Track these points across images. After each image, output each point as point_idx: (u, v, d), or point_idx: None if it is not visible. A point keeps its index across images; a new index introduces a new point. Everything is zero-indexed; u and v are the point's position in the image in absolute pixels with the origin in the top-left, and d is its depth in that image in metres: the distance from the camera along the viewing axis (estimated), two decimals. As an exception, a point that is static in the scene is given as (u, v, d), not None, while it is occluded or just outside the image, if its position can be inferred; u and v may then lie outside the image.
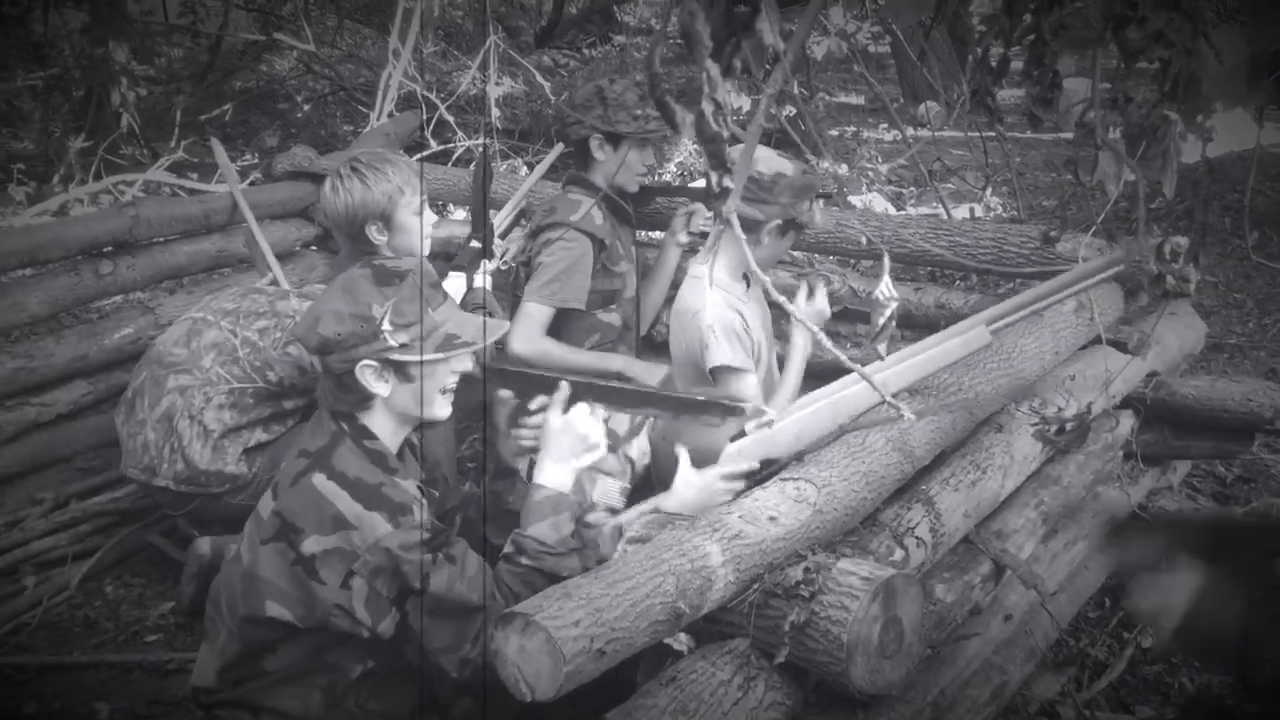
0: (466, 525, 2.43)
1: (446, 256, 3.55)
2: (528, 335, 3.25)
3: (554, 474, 2.20)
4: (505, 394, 2.32)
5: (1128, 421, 2.99)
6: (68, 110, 8.43)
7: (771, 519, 1.95)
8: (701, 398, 2.28)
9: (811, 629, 1.81)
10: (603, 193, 3.33)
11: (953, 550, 2.37)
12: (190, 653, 3.06)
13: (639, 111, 3.29)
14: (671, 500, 2.19)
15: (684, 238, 3.52)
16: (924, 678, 2.28)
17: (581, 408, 2.23)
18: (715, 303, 2.82)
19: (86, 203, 6.45)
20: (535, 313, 3.27)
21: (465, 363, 2.23)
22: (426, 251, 3.13)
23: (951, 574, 2.35)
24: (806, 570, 1.86)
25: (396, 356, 2.12)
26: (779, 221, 2.82)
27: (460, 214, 5.05)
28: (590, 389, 2.26)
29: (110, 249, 4.01)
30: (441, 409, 2.23)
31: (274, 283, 3.79)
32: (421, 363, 2.12)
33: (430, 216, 3.18)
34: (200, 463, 3.15)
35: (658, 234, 3.91)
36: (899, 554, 2.13)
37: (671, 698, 1.73)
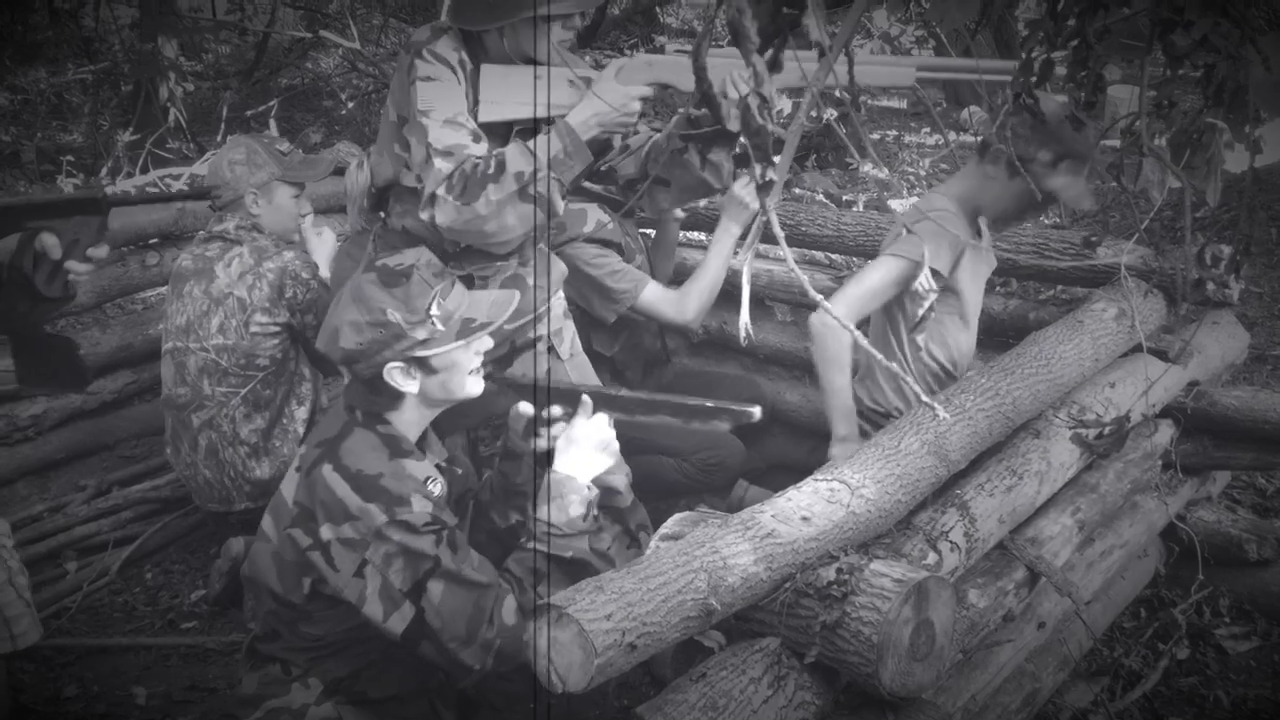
0: (480, 509, 2.45)
1: None
2: (677, 302, 3.25)
3: (580, 473, 2.22)
4: (526, 408, 2.33)
5: (1167, 430, 2.96)
6: (116, 104, 8.56)
7: (804, 519, 1.95)
8: (711, 404, 2.30)
9: (842, 629, 1.81)
10: (598, 196, 3.31)
11: (987, 556, 2.36)
12: (226, 638, 3.11)
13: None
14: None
15: (681, 213, 3.52)
16: (955, 683, 2.27)
17: (600, 417, 2.25)
18: (941, 210, 2.75)
19: (134, 195, 6.54)
20: (654, 293, 3.25)
21: (486, 342, 2.26)
22: None
23: (985, 579, 2.34)
24: (839, 571, 1.86)
25: (420, 352, 2.15)
26: (1051, 155, 2.64)
27: None
28: (602, 398, 2.29)
29: (156, 241, 4.08)
30: (474, 387, 2.27)
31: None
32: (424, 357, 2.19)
33: None
34: (264, 474, 3.21)
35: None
36: (932, 558, 2.12)
37: (701, 694, 1.73)
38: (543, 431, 2.32)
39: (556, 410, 2.30)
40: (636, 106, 2.53)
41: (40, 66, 9.17)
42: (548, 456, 2.28)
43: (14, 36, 8.97)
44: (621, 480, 2.32)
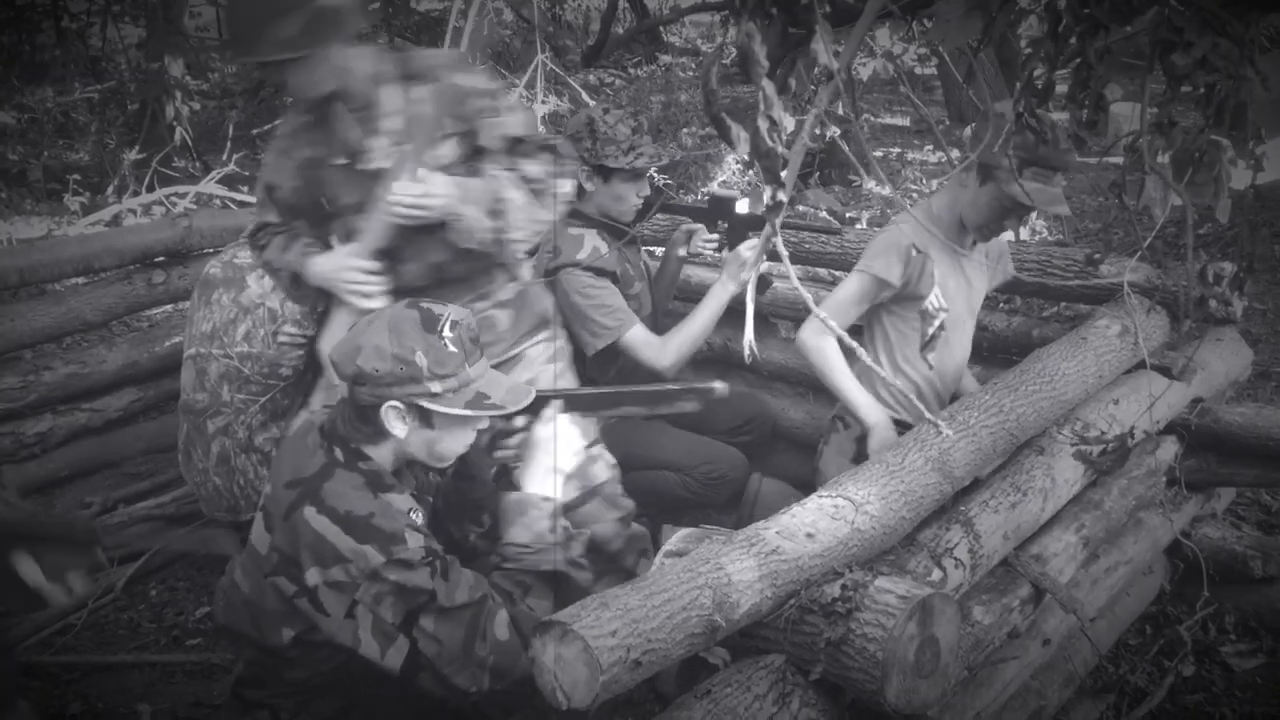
0: (433, 517, 2.43)
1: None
2: (656, 348, 3.26)
3: (541, 484, 2.23)
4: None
5: (1171, 447, 2.96)
6: (123, 123, 8.60)
7: (809, 535, 1.95)
8: (675, 387, 2.32)
9: (847, 646, 1.81)
10: (599, 223, 3.32)
11: (991, 573, 2.36)
12: (231, 655, 3.11)
13: (628, 145, 3.21)
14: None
15: (682, 251, 3.53)
16: (960, 700, 2.27)
17: (563, 418, 2.26)
18: (916, 232, 2.81)
19: (139, 214, 6.58)
20: (636, 336, 3.24)
21: (484, 421, 2.24)
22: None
23: (990, 596, 2.34)
24: (843, 587, 1.86)
25: (425, 404, 2.12)
26: (1015, 162, 2.65)
27: None
28: (564, 398, 2.31)
29: (162, 259, 4.10)
30: (451, 456, 2.25)
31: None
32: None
33: None
34: None
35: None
36: (937, 574, 2.13)
37: (706, 710, 1.74)
38: (504, 444, 2.33)
39: (519, 422, 2.30)
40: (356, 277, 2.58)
41: (47, 86, 9.23)
42: (507, 471, 2.29)
43: (21, 56, 9.04)
44: (610, 528, 2.32)
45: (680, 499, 3.34)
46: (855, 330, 2.94)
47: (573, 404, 2.30)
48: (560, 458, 2.26)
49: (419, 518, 2.12)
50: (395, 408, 2.12)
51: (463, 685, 2.05)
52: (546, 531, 2.16)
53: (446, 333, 2.14)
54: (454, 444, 2.20)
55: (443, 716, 2.29)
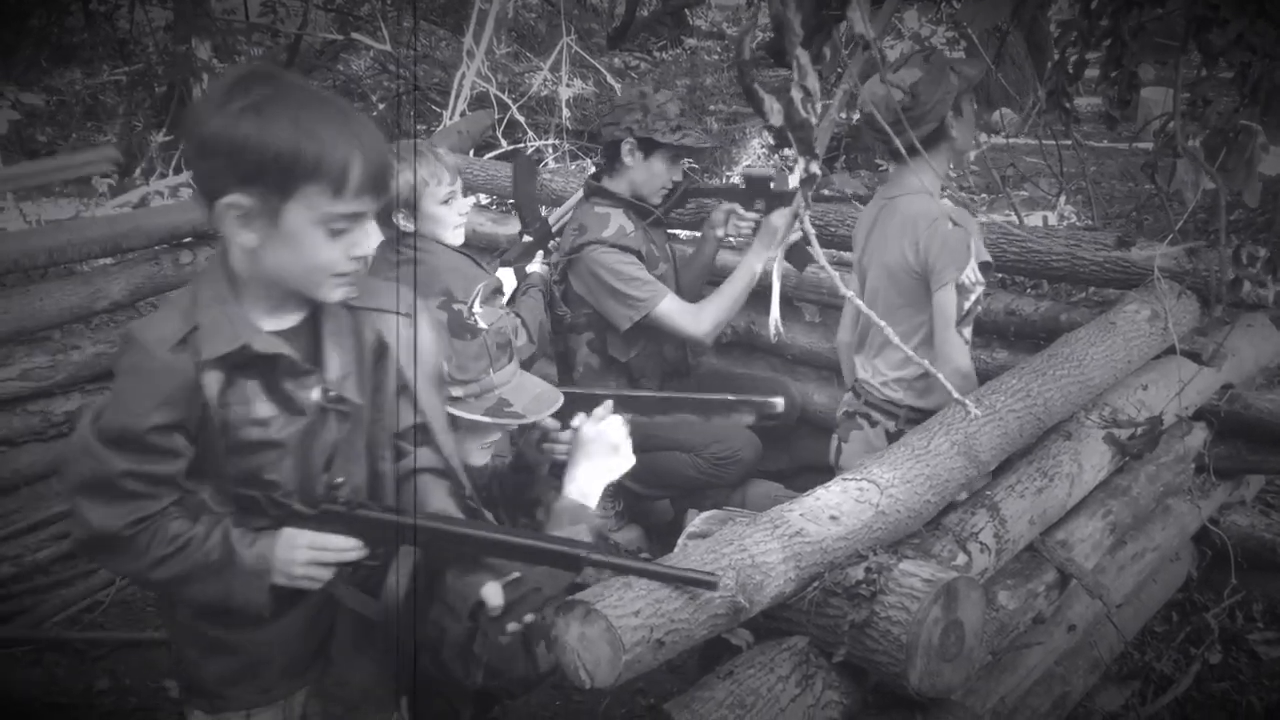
0: (489, 502, 2.43)
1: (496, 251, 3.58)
2: (692, 314, 3.26)
3: (583, 485, 2.17)
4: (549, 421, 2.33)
5: (1200, 433, 2.94)
6: (150, 105, 8.64)
7: (833, 518, 1.94)
8: (733, 398, 2.28)
9: (871, 629, 1.80)
10: (626, 202, 3.32)
11: (1017, 557, 2.35)
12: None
13: (677, 124, 3.26)
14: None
15: (720, 232, 3.51)
16: (984, 684, 2.26)
17: (615, 419, 2.23)
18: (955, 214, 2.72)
19: (167, 195, 6.62)
20: (671, 306, 3.25)
21: (513, 424, 2.23)
22: (459, 240, 3.11)
23: (1015, 581, 2.33)
24: (868, 570, 1.86)
25: (446, 407, 2.11)
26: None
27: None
28: (620, 400, 2.27)
29: (190, 239, 4.12)
30: (478, 459, 2.24)
31: None
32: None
33: (465, 203, 3.14)
34: None
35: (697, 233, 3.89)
36: (962, 558, 2.12)
37: (729, 691, 1.73)
38: (556, 444, 2.32)
39: (576, 420, 2.30)
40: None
41: (75, 68, 9.29)
42: (560, 468, 2.28)
43: (50, 38, 9.09)
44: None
45: (691, 479, 3.33)
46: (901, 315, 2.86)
47: (625, 405, 2.28)
48: (613, 467, 2.23)
49: None
50: None
51: (457, 674, 2.04)
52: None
53: (474, 339, 2.13)
54: (472, 446, 2.20)
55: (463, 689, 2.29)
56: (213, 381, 1.70)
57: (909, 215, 2.75)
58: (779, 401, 2.25)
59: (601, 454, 2.18)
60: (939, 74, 2.63)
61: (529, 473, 2.36)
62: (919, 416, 2.83)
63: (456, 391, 2.12)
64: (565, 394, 2.30)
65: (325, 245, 1.69)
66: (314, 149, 1.61)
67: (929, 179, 2.74)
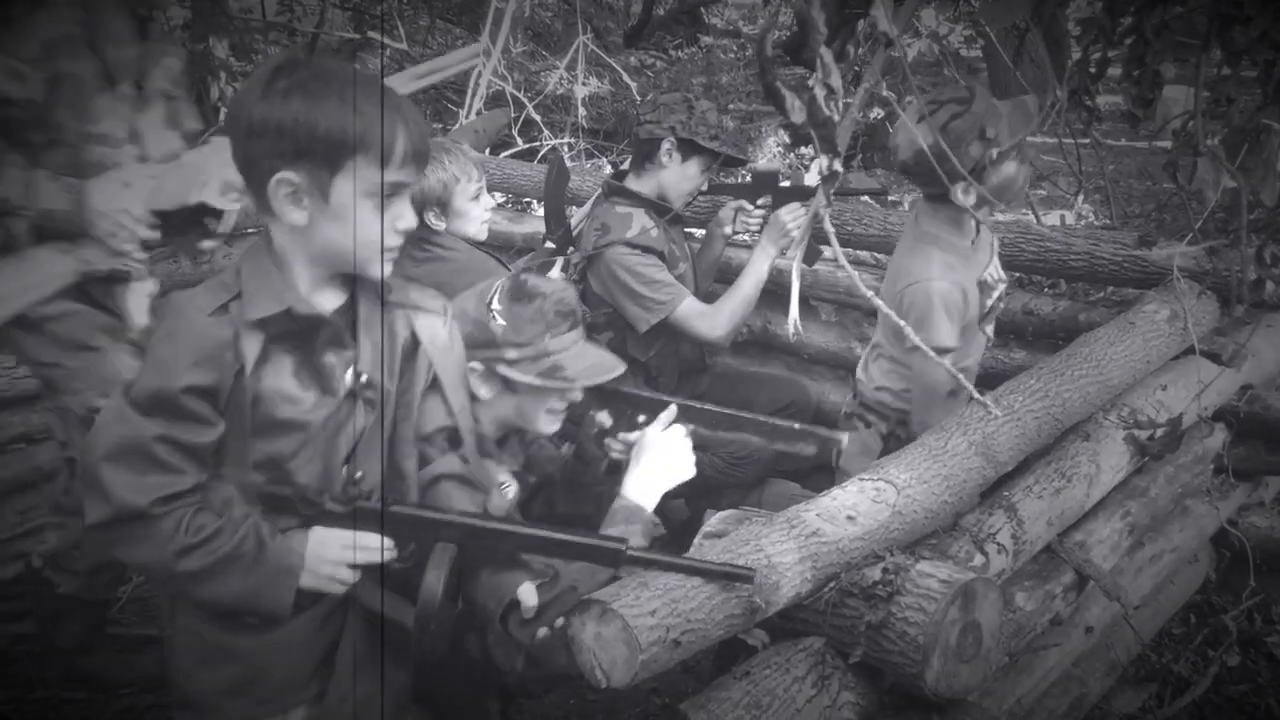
0: (548, 484, 2.45)
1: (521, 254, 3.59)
2: (709, 318, 3.27)
3: (642, 487, 2.17)
4: (604, 417, 2.34)
5: (1220, 434, 2.92)
6: (168, 103, 8.66)
7: (850, 518, 1.94)
8: (798, 426, 2.27)
9: (888, 629, 1.79)
10: (647, 201, 3.31)
11: (1034, 559, 2.34)
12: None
13: (715, 131, 3.27)
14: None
15: (728, 230, 3.51)
16: (1001, 686, 2.25)
17: (678, 429, 2.24)
18: (944, 273, 2.67)
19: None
20: (690, 308, 3.26)
21: (577, 394, 2.25)
22: (484, 237, 3.17)
23: (1032, 582, 2.32)
24: (885, 571, 1.85)
25: (501, 369, 2.17)
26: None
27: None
28: (686, 410, 2.27)
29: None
30: (547, 425, 2.27)
31: None
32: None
33: (488, 200, 3.17)
34: None
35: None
36: (979, 559, 2.10)
37: (745, 691, 1.73)
38: (614, 443, 2.33)
39: (640, 419, 2.30)
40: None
41: (94, 66, 9.30)
42: (616, 467, 2.28)
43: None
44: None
45: (707, 478, 3.31)
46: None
47: (690, 417, 2.28)
48: (674, 475, 2.22)
49: (510, 493, 2.17)
50: (474, 370, 2.17)
51: (499, 660, 2.05)
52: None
53: (531, 303, 2.16)
54: (536, 410, 2.23)
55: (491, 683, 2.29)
56: (250, 348, 1.71)
57: (904, 265, 2.75)
58: (844, 438, 2.27)
59: (664, 460, 2.19)
60: (973, 122, 2.49)
61: (587, 465, 2.38)
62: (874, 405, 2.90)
63: (511, 354, 2.16)
64: (636, 396, 2.34)
65: (373, 218, 1.72)
66: (360, 122, 1.65)
67: (944, 228, 2.71)
